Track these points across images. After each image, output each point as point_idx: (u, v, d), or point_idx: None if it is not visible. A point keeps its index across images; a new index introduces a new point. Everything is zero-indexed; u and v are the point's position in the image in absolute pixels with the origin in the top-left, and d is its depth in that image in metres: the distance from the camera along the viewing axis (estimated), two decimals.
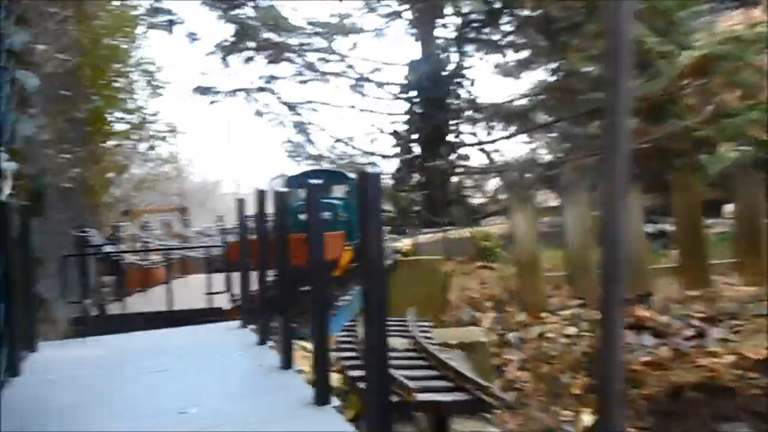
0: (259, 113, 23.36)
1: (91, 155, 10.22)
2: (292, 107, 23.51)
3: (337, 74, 23.17)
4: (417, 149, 22.19)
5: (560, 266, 10.62)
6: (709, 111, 16.15)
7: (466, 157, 21.64)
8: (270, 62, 23.12)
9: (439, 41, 21.50)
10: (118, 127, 16.23)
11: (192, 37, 20.58)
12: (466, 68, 21.75)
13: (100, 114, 12.90)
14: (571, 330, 8.98)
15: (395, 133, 22.34)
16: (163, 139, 20.67)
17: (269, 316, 5.08)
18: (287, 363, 4.39)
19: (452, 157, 21.09)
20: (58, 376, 3.81)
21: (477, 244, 13.71)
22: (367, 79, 22.73)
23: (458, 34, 21.25)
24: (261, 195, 4.89)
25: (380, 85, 22.54)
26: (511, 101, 23.48)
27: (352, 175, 15.74)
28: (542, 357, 8.64)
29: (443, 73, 21.00)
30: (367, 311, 2.92)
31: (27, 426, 2.77)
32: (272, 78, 23.30)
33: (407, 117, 22.01)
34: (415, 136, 21.47)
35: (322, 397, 3.60)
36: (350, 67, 22.42)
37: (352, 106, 23.04)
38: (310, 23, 22.26)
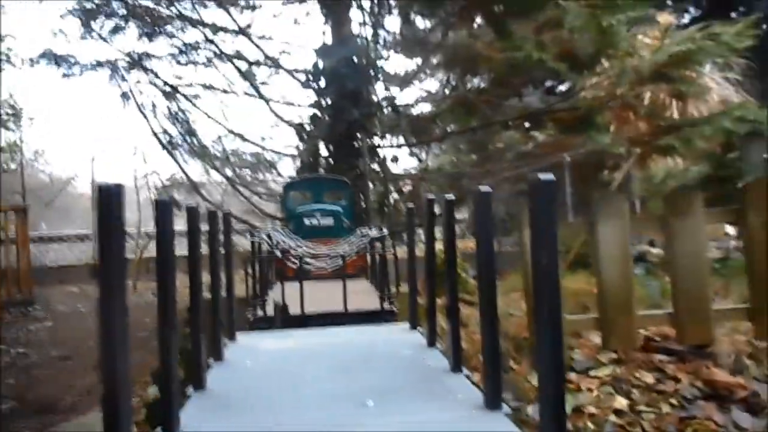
0: (126, 96, 18.92)
1: None
2: (168, 91, 19.44)
3: (228, 56, 19.40)
4: (323, 148, 19.14)
5: (575, 302, 8.02)
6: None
7: (393, 160, 18.94)
8: (143, 35, 18.91)
9: (354, 24, 18.55)
10: None
11: None
12: (383, 59, 19.08)
13: None
14: (621, 402, 6.39)
15: (299, 127, 19.04)
16: (4, 124, 16.88)
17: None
18: (457, 366, 4.66)
19: (368, 159, 18.25)
20: (253, 363, 4.67)
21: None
22: (266, 63, 19.23)
23: (375, 16, 18.51)
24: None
25: (282, 69, 19.13)
26: (421, 101, 21.36)
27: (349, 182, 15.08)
28: None
29: (356, 62, 18.12)
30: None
31: (227, 405, 3.49)
32: (146, 55, 19.08)
33: (314, 111, 18.82)
34: (323, 132, 18.33)
35: (492, 402, 3.69)
36: (256, 47, 18.86)
37: (247, 94, 19.42)
38: None
